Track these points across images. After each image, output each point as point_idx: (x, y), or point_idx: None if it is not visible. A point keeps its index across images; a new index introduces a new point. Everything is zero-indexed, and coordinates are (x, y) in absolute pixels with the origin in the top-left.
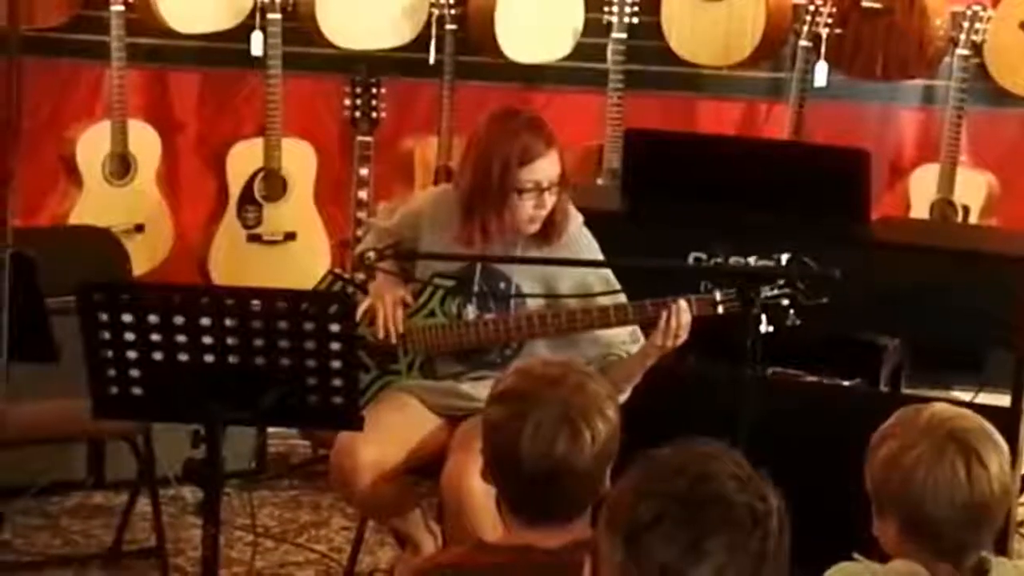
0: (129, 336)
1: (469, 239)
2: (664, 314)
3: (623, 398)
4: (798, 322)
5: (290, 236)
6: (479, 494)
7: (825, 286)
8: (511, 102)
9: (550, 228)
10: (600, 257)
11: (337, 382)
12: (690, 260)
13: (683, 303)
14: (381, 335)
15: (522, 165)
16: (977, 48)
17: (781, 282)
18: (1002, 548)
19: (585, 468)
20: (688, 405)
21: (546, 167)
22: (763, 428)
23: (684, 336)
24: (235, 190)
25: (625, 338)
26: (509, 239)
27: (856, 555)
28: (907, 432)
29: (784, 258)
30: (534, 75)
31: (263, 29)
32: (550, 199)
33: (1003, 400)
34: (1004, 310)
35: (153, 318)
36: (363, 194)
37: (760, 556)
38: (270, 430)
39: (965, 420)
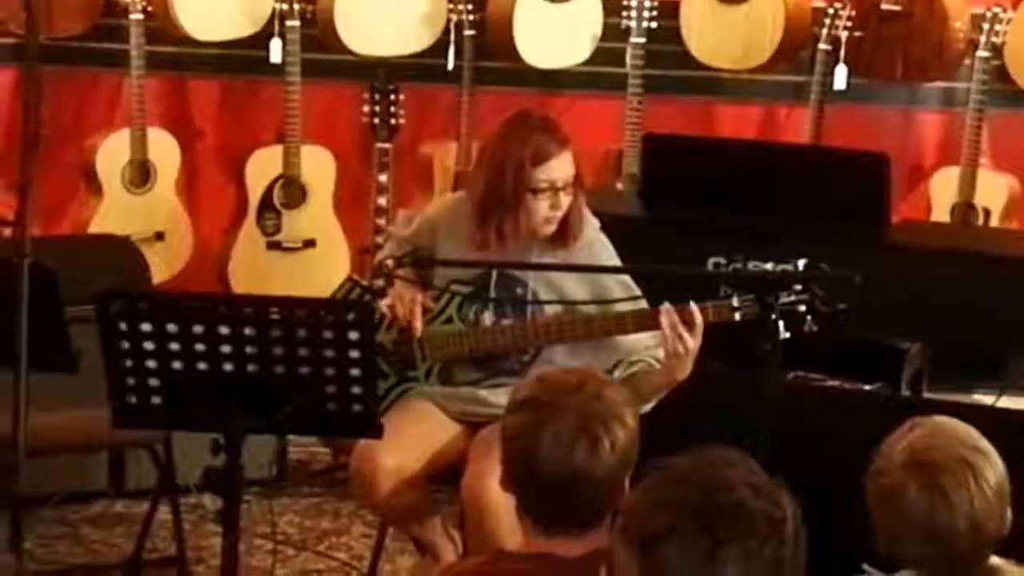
0: (148, 345)
1: (484, 243)
2: (662, 318)
3: (647, 408)
4: (815, 328)
5: (310, 243)
6: (499, 501)
7: (844, 291)
8: (530, 107)
9: (565, 230)
10: (617, 261)
11: (356, 390)
12: (709, 265)
13: (667, 304)
14: (403, 322)
15: (535, 165)
16: (997, 50)
17: (799, 287)
18: None
19: (604, 476)
20: (708, 410)
21: (560, 167)
22: (784, 432)
23: (691, 336)
24: (254, 197)
25: (649, 343)
26: (524, 243)
27: (866, 567)
28: (888, 453)
29: (801, 264)
30: (553, 80)
31: (282, 36)
32: (565, 200)
33: None
34: None
35: (172, 327)
36: (382, 201)
37: (776, 563)
38: (290, 438)
39: (941, 450)
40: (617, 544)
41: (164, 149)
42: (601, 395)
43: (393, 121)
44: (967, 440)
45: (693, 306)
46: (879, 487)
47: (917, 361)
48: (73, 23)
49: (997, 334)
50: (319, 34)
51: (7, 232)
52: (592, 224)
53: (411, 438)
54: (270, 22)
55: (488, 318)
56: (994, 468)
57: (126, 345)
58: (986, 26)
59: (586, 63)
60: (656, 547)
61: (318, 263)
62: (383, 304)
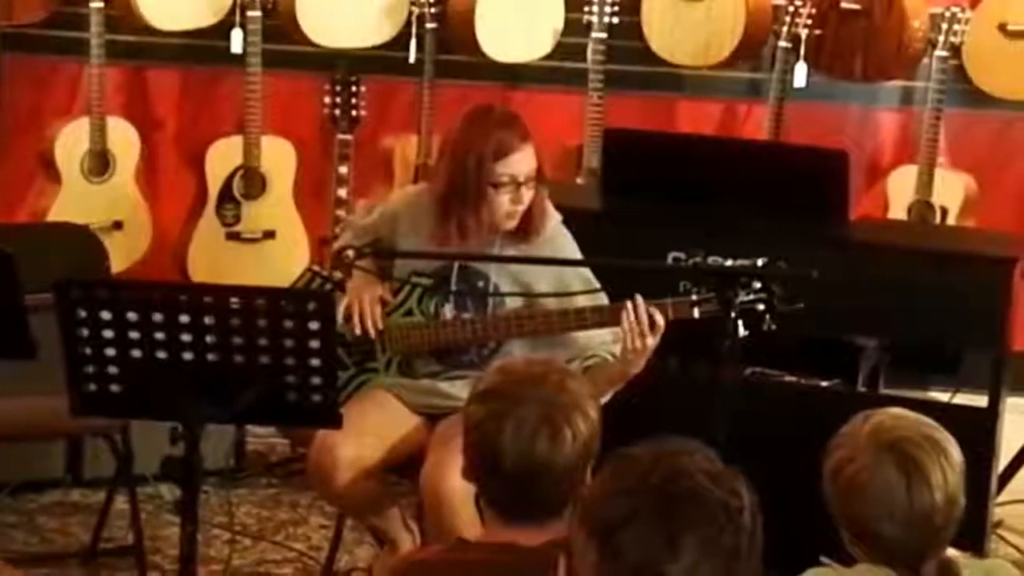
0: (107, 333)
1: (445, 238)
2: (624, 314)
3: (602, 401)
4: (774, 327)
5: (269, 234)
6: (458, 492)
7: (802, 288)
8: (491, 101)
9: (527, 224)
10: (579, 256)
11: (316, 380)
12: (669, 260)
13: (638, 298)
14: (358, 331)
15: (497, 159)
16: (955, 50)
17: (758, 286)
18: (978, 550)
19: (566, 467)
20: (668, 405)
21: (521, 161)
22: (742, 428)
23: (651, 334)
24: (214, 188)
25: (607, 338)
26: (486, 237)
27: (824, 559)
28: (851, 443)
29: (760, 262)
30: (514, 74)
31: (243, 26)
32: (527, 194)
33: (980, 400)
34: (982, 311)
35: (132, 315)
36: (342, 192)
37: (734, 551)
38: (249, 428)
39: (906, 430)
40: (576, 532)
41: (123, 138)
42: (564, 386)
43: (354, 113)
44: (925, 421)
45: (655, 309)
46: (847, 476)
47: (874, 358)
48: (33, 10)
49: (953, 332)
50: (280, 25)
51: None
52: (554, 218)
53: (370, 429)
54: (231, 12)
55: (449, 311)
56: (953, 446)
57: (85, 333)
58: (944, 26)
59: (547, 58)
60: (614, 535)
61: (277, 254)
62: (340, 307)
